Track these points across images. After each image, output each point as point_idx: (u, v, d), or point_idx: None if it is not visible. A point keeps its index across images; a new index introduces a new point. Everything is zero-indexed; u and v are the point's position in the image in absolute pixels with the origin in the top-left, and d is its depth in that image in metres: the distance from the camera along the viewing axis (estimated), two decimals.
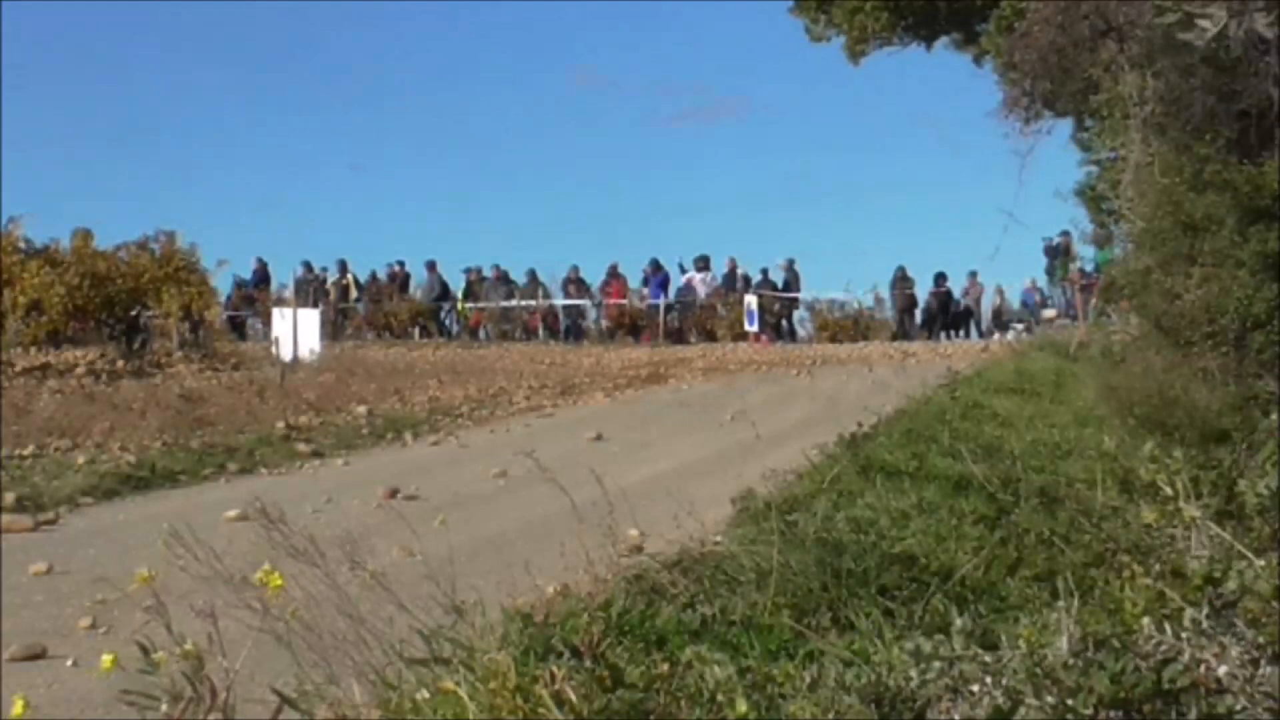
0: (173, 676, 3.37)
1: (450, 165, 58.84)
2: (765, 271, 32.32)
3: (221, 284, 27.29)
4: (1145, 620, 3.22)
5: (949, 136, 60.72)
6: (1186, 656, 3.02)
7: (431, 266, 33.29)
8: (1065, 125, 17.09)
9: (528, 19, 60.01)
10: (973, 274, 31.87)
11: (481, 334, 32.79)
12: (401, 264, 33.88)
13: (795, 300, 32.17)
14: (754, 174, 60.54)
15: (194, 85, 58.98)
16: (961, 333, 31.63)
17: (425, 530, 5.93)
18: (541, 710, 3.25)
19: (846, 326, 31.54)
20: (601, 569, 5.58)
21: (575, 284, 33.13)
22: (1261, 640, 3.05)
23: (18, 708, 3.23)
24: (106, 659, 3.36)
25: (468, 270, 33.69)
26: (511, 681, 3.34)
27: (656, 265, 32.68)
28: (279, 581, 3.58)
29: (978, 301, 32.11)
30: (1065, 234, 27.31)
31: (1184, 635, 3.10)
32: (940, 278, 32.01)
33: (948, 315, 31.87)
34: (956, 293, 32.08)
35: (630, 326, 32.12)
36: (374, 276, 34.03)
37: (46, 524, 10.10)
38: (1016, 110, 11.64)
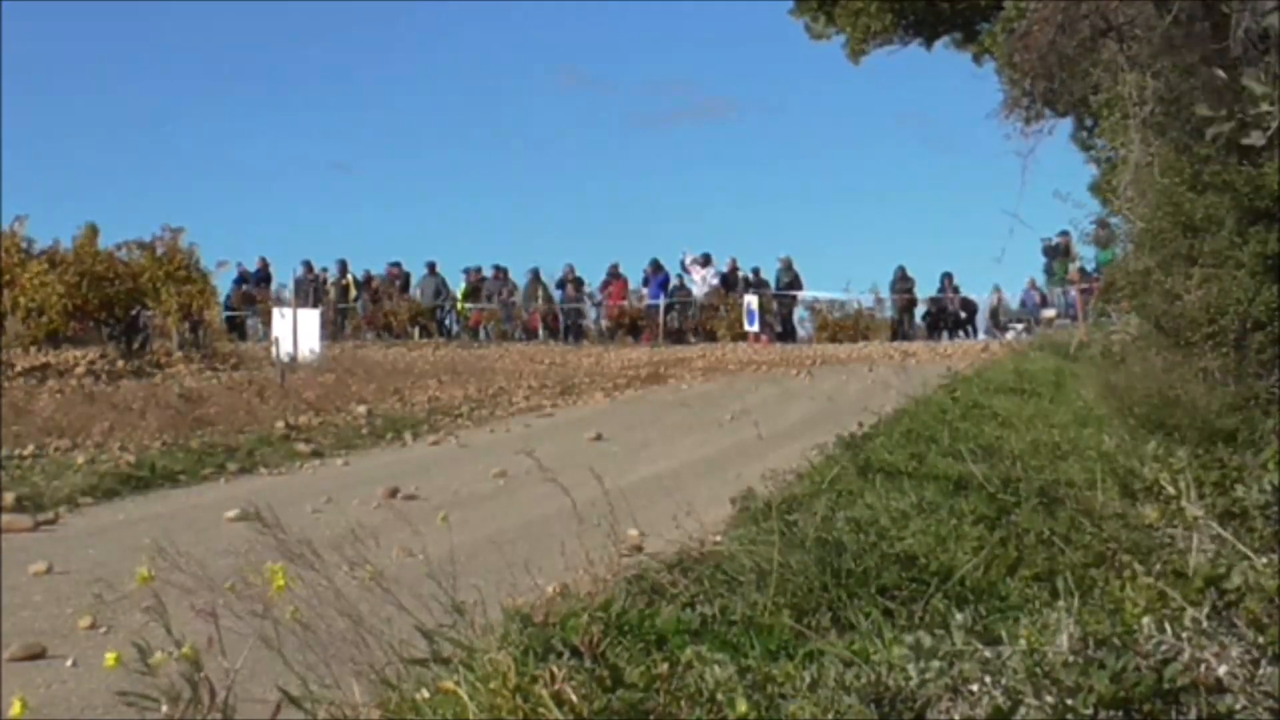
0: (171, 677, 3.36)
1: (451, 166, 58.91)
2: (757, 271, 32.30)
3: (221, 284, 27.30)
4: (1145, 620, 3.22)
5: (950, 136, 60.75)
6: (1187, 656, 3.02)
7: (431, 268, 33.29)
8: (1066, 125, 17.11)
9: (522, 19, 60.14)
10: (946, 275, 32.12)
11: (481, 334, 32.78)
12: (400, 264, 33.93)
13: (794, 299, 32.15)
14: (754, 174, 60.60)
15: (193, 86, 58.99)
16: (962, 333, 31.63)
17: (425, 530, 5.93)
18: (541, 710, 3.25)
19: (846, 326, 31.55)
20: (601, 569, 5.58)
21: (572, 283, 33.13)
22: (1262, 640, 3.05)
23: (16, 708, 3.22)
24: (110, 657, 3.36)
25: (468, 270, 33.70)
26: (511, 681, 3.34)
27: (657, 265, 32.68)
28: (281, 582, 3.58)
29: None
30: (1064, 234, 27.33)
31: (1184, 635, 3.10)
32: (947, 278, 32.11)
33: (949, 316, 31.89)
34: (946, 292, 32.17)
35: (630, 326, 32.12)
36: (370, 276, 33.99)
37: (46, 524, 10.10)
38: (1017, 110, 11.63)
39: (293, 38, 60.47)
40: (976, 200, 51.38)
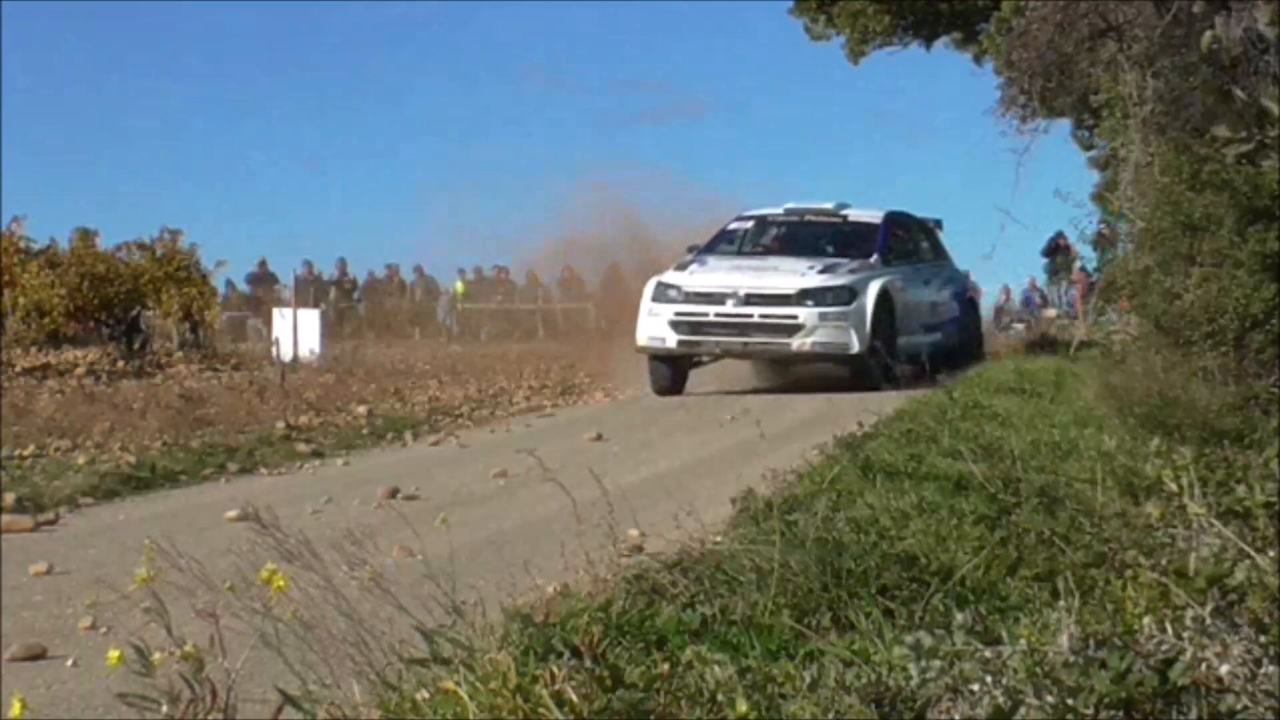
0: (172, 677, 3.36)
1: (451, 165, 58.95)
2: None
3: (220, 284, 27.38)
4: (1147, 620, 3.22)
5: (947, 136, 60.77)
6: (1188, 655, 3.01)
7: (419, 271, 33.47)
8: (1063, 125, 17.14)
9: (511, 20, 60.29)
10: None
11: (482, 334, 32.81)
12: (399, 266, 34.06)
13: None
14: (747, 173, 60.62)
15: (192, 87, 59.02)
16: None
17: (425, 530, 5.92)
18: (542, 710, 3.25)
19: None
20: (601, 569, 5.57)
21: (575, 284, 33.17)
22: (1264, 639, 3.05)
23: (15, 708, 3.21)
24: (112, 655, 3.35)
25: (462, 270, 33.82)
26: (512, 681, 3.34)
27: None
28: (282, 583, 3.57)
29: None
30: (1061, 234, 27.34)
31: (1186, 634, 3.10)
32: None
33: None
34: None
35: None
36: (374, 276, 34.11)
37: (46, 524, 10.08)
38: (1014, 109, 11.65)
39: (284, 37, 60.43)
40: (978, 201, 51.41)
